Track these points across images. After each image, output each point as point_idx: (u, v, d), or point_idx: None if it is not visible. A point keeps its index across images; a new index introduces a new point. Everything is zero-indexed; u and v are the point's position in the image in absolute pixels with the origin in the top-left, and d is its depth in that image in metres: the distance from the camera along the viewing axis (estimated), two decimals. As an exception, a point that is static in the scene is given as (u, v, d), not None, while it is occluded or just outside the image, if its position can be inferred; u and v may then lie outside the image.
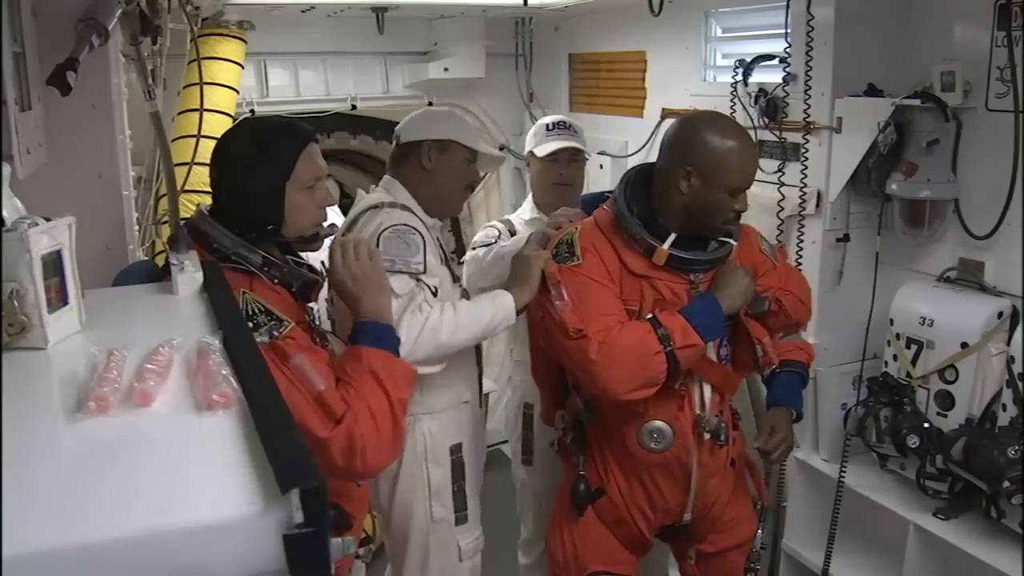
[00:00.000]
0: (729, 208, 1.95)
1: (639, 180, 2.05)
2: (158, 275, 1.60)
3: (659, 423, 1.99)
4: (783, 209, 2.77)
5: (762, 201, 2.88)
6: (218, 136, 1.84)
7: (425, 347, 1.88)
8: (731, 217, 1.98)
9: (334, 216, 2.06)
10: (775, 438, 2.15)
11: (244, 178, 1.67)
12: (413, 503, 2.13)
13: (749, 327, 2.04)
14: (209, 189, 1.78)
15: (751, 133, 2.93)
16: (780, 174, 2.80)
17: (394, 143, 2.31)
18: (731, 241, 2.02)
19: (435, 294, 2.03)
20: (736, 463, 2.19)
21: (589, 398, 2.09)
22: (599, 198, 2.14)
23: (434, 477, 2.12)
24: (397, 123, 2.32)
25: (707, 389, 2.03)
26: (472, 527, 2.23)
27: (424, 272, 1.99)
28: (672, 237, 1.95)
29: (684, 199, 1.95)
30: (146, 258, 2.51)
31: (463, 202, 2.38)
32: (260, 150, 1.67)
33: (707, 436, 2.02)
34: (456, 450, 2.19)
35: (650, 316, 1.92)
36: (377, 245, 1.92)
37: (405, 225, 2.04)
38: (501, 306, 2.00)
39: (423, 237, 2.06)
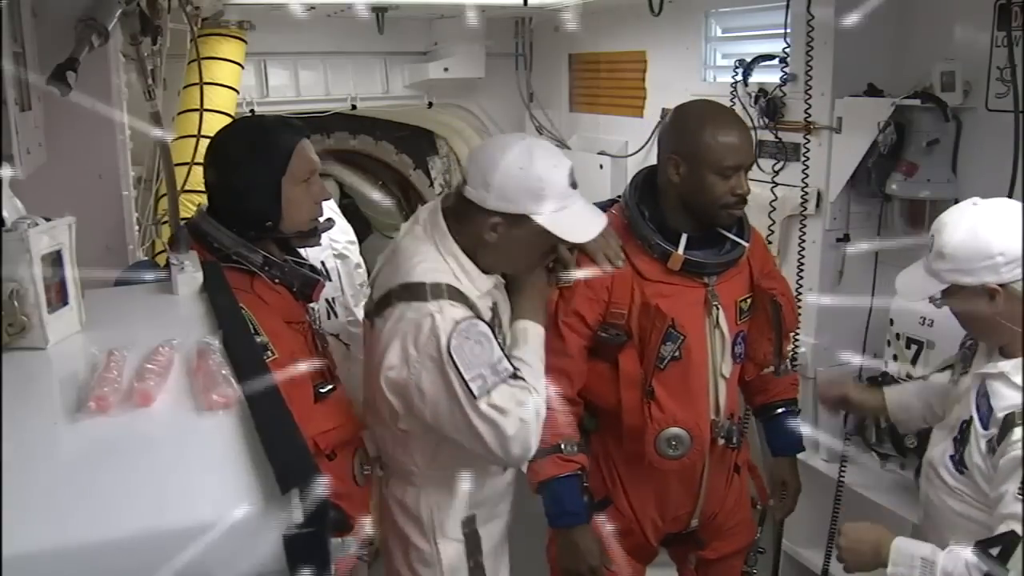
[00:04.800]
0: (725, 191, 1.87)
1: (647, 182, 2.01)
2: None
3: (677, 430, 1.94)
4: (774, 210, 2.76)
5: (761, 201, 2.88)
6: (218, 136, 1.84)
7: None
8: (731, 201, 1.88)
9: (330, 211, 2.05)
10: (789, 495, 2.23)
11: (240, 176, 1.68)
12: None
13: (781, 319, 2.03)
14: (210, 189, 1.78)
15: (751, 133, 2.94)
16: (775, 175, 2.80)
17: (461, 178, 1.73)
18: (743, 242, 1.97)
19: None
20: (740, 468, 2.18)
21: (594, 406, 2.06)
22: (610, 204, 2.08)
23: (446, 554, 1.78)
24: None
25: (722, 393, 1.99)
26: None
27: (514, 369, 1.62)
28: (684, 239, 1.90)
29: (678, 189, 1.91)
30: (145, 258, 2.51)
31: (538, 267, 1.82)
32: (254, 148, 1.68)
33: (721, 441, 2.00)
34: (469, 523, 1.81)
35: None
36: (451, 357, 1.56)
37: (462, 320, 1.59)
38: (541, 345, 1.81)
39: (480, 316, 1.65)
